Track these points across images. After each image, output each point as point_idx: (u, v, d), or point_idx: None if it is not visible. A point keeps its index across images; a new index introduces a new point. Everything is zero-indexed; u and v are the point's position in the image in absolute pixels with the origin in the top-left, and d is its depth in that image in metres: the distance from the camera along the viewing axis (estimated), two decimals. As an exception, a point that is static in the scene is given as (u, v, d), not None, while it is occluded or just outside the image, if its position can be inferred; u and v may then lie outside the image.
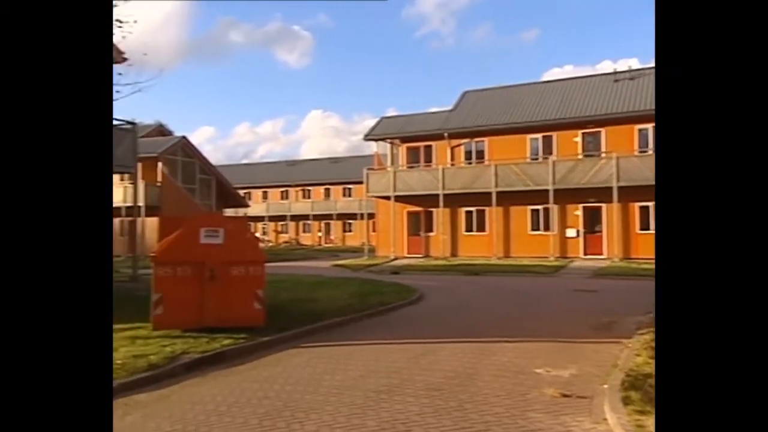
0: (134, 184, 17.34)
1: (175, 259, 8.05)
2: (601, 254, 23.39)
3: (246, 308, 8.21)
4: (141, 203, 17.42)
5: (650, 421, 4.14)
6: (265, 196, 52.06)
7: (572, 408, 4.91)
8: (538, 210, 24.71)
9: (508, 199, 24.68)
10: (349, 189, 48.33)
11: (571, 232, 24.23)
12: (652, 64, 23.19)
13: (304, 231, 50.41)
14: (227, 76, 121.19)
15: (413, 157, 28.10)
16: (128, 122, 15.73)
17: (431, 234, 27.00)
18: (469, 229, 26.31)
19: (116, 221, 26.25)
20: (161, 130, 34.58)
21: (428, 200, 26.03)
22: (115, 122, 15.05)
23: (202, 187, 29.65)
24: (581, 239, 24.12)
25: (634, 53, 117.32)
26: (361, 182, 31.93)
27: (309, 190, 51.21)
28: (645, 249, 21.49)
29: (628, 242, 23.00)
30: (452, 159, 26.99)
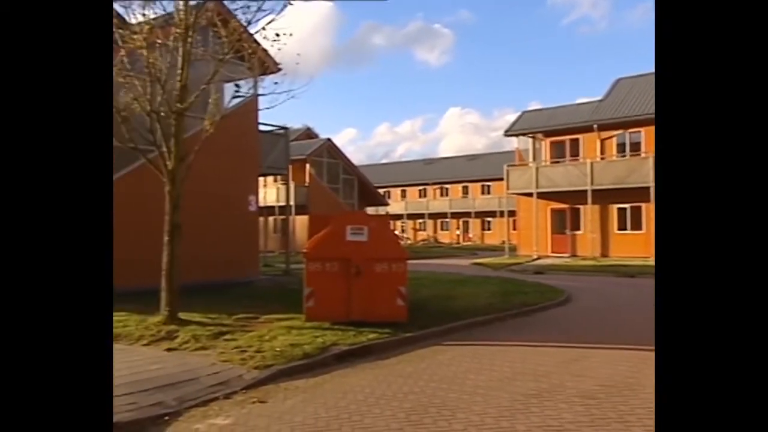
0: (286, 184, 18.74)
1: (324, 255, 8.50)
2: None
3: (389, 304, 8.41)
4: (292, 203, 18.75)
5: None
6: (403, 194, 53.17)
7: None
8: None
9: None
10: (488, 186, 47.48)
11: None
12: None
13: (442, 229, 50.59)
14: (369, 78, 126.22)
15: (558, 152, 26.70)
16: (281, 127, 17.03)
17: (578, 232, 25.47)
18: (622, 227, 24.34)
19: (270, 219, 28.64)
20: (309, 134, 37.00)
21: (574, 196, 24.58)
22: (269, 128, 16.41)
23: (345, 187, 31.13)
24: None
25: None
26: (500, 179, 31.15)
27: (447, 188, 51.25)
28: None
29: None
30: (602, 152, 25.16)
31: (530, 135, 27.68)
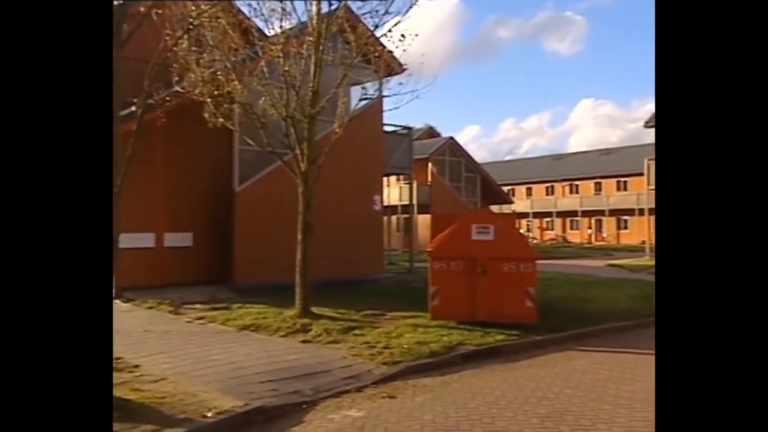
0: (409, 183, 18.96)
1: (448, 254, 8.45)
2: None
3: (517, 305, 8.13)
4: (414, 202, 18.95)
5: None
6: (529, 192, 51.31)
7: None
8: None
9: None
10: (625, 182, 44.12)
11: None
12: None
13: (571, 228, 48.00)
14: (493, 74, 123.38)
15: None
16: (405, 127, 17.27)
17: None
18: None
19: (393, 218, 29.21)
20: (431, 132, 37.21)
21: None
22: (393, 128, 16.72)
23: (467, 185, 30.80)
24: None
25: None
26: (639, 174, 28.80)
27: (577, 185, 48.51)
28: None
29: None
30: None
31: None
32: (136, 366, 5.81)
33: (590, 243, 43.80)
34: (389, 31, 9.06)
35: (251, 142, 9.74)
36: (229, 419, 4.41)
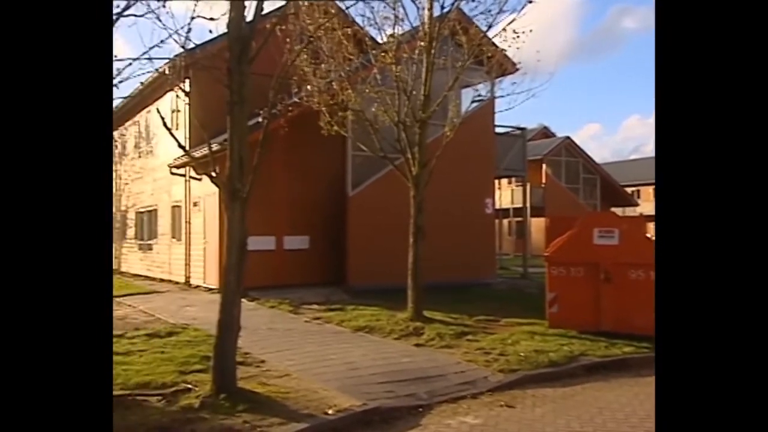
0: (522, 186, 18.35)
1: (568, 259, 8.02)
2: None
3: (647, 315, 7.46)
4: (528, 204, 18.30)
5: None
6: (655, 193, 47.51)
7: None
8: None
9: None
10: None
11: None
12: None
13: (704, 232, 43.65)
14: (616, 67, 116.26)
15: None
16: (518, 128, 16.76)
17: None
18: None
19: (504, 222, 28.44)
20: (545, 133, 35.74)
21: None
22: (506, 129, 16.29)
23: (586, 186, 29.16)
24: None
25: None
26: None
27: (710, 185, 44.10)
28: None
29: None
30: None
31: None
32: (263, 361, 6.16)
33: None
34: (503, 30, 8.84)
35: (364, 148, 9.98)
36: (348, 417, 4.51)
